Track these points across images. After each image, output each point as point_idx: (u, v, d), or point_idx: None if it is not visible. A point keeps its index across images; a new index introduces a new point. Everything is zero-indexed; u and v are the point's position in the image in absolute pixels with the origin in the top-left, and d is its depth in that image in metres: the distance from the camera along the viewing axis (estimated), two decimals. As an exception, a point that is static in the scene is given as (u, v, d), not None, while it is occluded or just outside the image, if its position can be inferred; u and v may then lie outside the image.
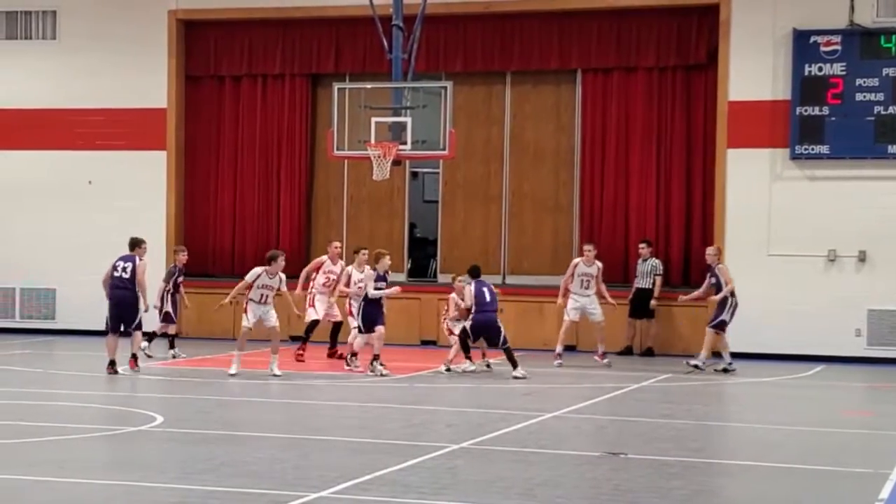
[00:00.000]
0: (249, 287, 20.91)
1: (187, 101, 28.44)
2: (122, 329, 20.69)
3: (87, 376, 20.53)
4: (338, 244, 24.08)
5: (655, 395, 19.51)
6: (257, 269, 20.99)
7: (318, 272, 23.36)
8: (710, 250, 23.43)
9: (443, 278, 27.31)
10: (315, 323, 23.13)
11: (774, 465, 13.45)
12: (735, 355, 23.18)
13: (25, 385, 19.49)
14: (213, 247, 28.33)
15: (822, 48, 24.70)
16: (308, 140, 28.22)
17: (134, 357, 20.78)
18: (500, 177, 27.56)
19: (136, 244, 21.23)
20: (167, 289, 23.12)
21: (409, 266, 28.16)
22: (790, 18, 24.94)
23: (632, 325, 25.66)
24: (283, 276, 21.02)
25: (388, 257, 21.70)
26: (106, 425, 15.25)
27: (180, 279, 23.43)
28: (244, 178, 28.40)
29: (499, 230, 27.53)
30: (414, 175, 28.96)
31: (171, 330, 23.46)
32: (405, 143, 23.64)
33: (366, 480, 11.83)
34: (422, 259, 28.99)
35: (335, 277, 23.08)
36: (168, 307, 23.12)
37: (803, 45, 24.79)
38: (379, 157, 23.53)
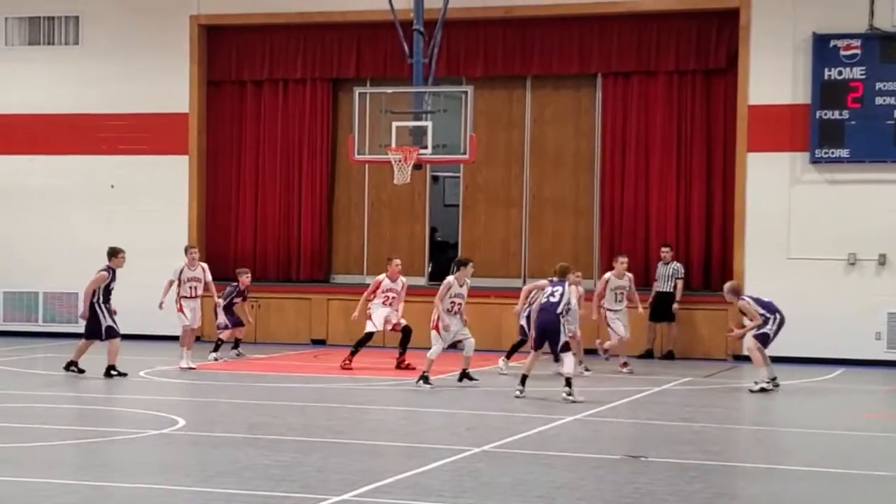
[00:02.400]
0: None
1: (209, 106, 28.56)
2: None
3: (109, 379, 20.60)
4: (398, 262, 23.00)
5: (675, 398, 19.52)
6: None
7: (376, 291, 22.64)
8: (726, 294, 21.27)
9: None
10: (370, 335, 22.69)
11: (794, 468, 13.46)
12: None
13: (48, 388, 19.61)
14: (234, 251, 28.43)
15: (842, 52, 24.71)
16: (329, 144, 28.31)
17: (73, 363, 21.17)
18: (521, 180, 27.62)
19: (111, 253, 21.35)
20: (222, 305, 23.48)
21: (429, 270, 28.21)
22: (810, 23, 24.94)
23: (652, 329, 25.66)
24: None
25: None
26: (128, 428, 15.32)
27: (237, 300, 24.02)
28: (265, 183, 28.50)
29: (519, 234, 27.58)
30: (435, 179, 29.04)
31: (226, 335, 23.86)
32: (426, 148, 23.75)
33: (387, 483, 11.87)
34: (443, 263, 29.02)
35: (395, 296, 22.59)
36: (223, 318, 23.60)
37: (823, 49, 24.79)
38: (400, 161, 23.64)
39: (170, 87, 28.11)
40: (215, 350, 23.69)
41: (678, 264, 25.60)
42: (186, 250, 22.63)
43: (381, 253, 28.02)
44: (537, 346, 18.84)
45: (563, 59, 27.03)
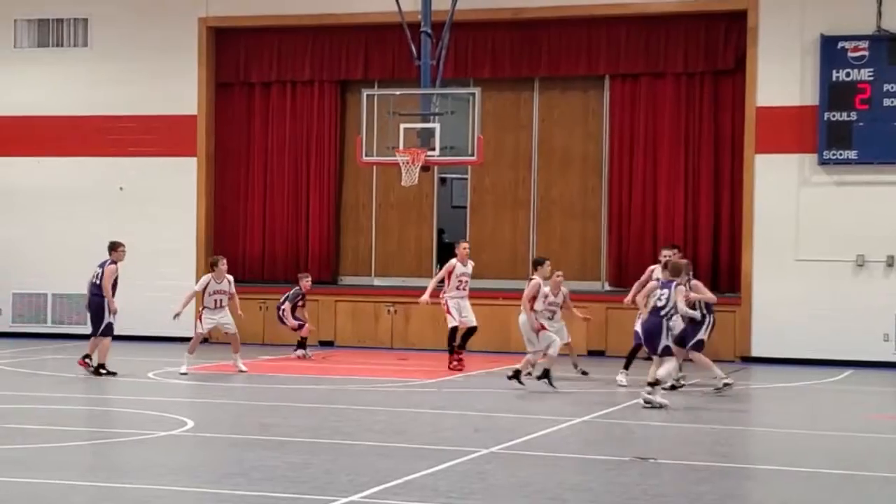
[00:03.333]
0: None
1: (217, 108, 28.61)
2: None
3: (117, 381, 20.66)
4: (466, 244, 23.25)
5: (684, 400, 19.51)
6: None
7: (450, 277, 22.76)
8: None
9: (471, 283, 27.35)
10: (455, 329, 22.67)
11: (802, 470, 13.46)
12: (763, 360, 23.18)
13: (56, 389, 19.64)
14: (242, 252, 28.45)
15: (850, 54, 24.71)
16: (337, 146, 28.34)
17: (86, 357, 21.26)
18: (529, 182, 27.63)
19: (111, 247, 21.58)
20: (285, 308, 24.34)
21: (437, 271, 28.19)
22: (818, 24, 24.95)
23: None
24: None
25: None
26: (136, 429, 15.35)
27: (301, 302, 24.49)
28: (274, 184, 28.53)
29: (527, 236, 27.59)
30: (442, 181, 29.07)
31: (305, 332, 24.36)
32: (434, 149, 23.79)
33: (396, 485, 11.89)
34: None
35: (467, 279, 22.67)
36: (292, 320, 24.31)
37: (831, 50, 24.80)
38: (407, 162, 23.67)
39: (178, 89, 28.16)
40: (301, 348, 24.28)
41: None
42: (214, 263, 22.30)
43: (389, 254, 28.11)
44: (651, 349, 18.58)
45: (571, 60, 27.05)
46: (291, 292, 24.65)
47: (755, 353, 25.14)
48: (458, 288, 22.69)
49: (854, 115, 24.74)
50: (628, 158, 26.85)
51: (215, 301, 21.97)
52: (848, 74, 24.75)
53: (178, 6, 28.18)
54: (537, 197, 27.57)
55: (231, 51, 28.60)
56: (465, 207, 28.35)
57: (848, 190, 25.02)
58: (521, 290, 23.99)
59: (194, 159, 28.27)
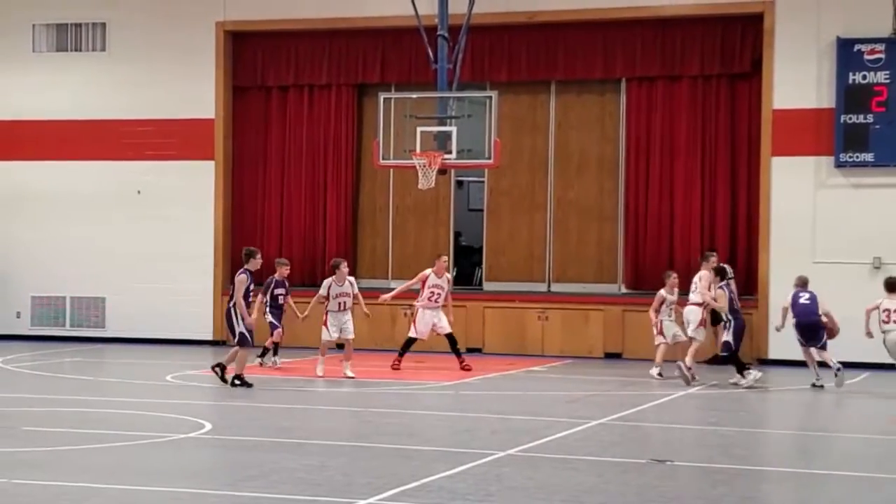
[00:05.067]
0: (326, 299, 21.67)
1: (235, 112, 28.69)
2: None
3: (136, 384, 20.74)
4: (445, 258, 23.55)
5: (701, 402, 19.55)
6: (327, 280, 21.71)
7: (423, 287, 22.96)
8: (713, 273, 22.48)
9: (488, 286, 27.45)
10: (411, 340, 22.98)
11: (820, 472, 13.49)
12: (781, 363, 23.15)
13: (75, 392, 19.72)
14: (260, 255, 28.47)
15: (866, 56, 24.70)
16: (354, 149, 28.40)
17: (218, 366, 20.54)
18: (545, 185, 27.66)
19: (247, 256, 20.60)
20: (265, 301, 22.80)
21: (454, 274, 28.26)
22: (834, 27, 24.95)
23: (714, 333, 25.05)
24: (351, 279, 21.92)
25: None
26: (155, 432, 15.41)
27: (278, 291, 23.07)
28: (291, 188, 28.60)
29: (544, 238, 27.61)
30: (459, 184, 29.12)
31: (276, 337, 23.02)
32: (450, 153, 23.82)
33: (413, 487, 11.93)
34: (467, 267, 29.14)
35: (440, 292, 22.80)
36: (270, 318, 22.83)
37: (847, 53, 24.79)
38: (424, 166, 23.71)
39: (196, 93, 28.24)
40: (275, 354, 23.47)
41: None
42: (336, 267, 22.01)
43: (406, 257, 28.15)
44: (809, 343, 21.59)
45: (588, 63, 27.07)
46: (266, 283, 23.05)
47: (772, 355, 25.13)
48: (429, 299, 22.89)
49: (870, 118, 24.72)
50: (645, 161, 26.86)
51: (339, 304, 21.91)
52: (864, 77, 24.74)
53: (196, 10, 28.27)
54: (554, 200, 27.59)
55: (248, 55, 28.68)
56: (481, 210, 28.39)
57: (864, 192, 25.00)
58: (538, 293, 24.16)
59: (212, 163, 28.36)
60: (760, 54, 25.72)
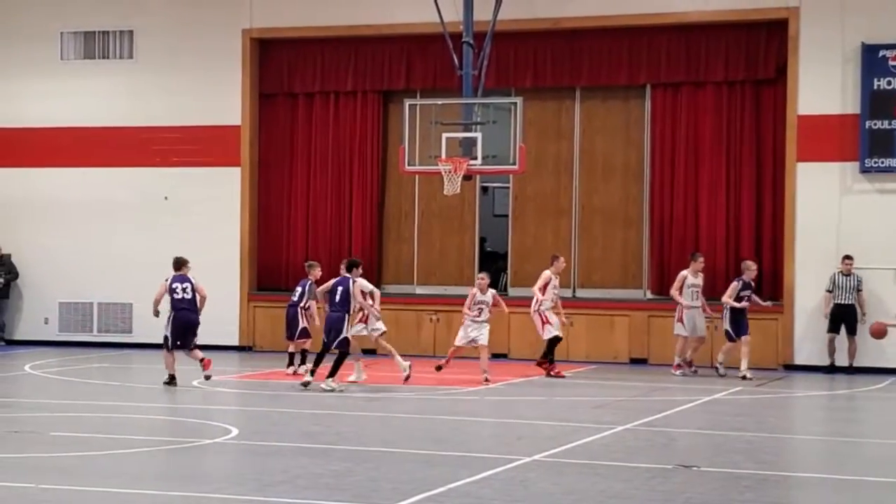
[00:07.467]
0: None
1: (261, 118, 28.79)
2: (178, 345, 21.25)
3: (163, 389, 20.81)
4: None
5: (727, 407, 19.53)
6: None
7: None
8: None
9: (513, 292, 27.46)
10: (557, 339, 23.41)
11: (847, 478, 13.48)
12: (806, 368, 23.10)
13: (103, 398, 19.83)
14: (286, 261, 28.61)
15: (891, 62, 24.66)
16: (379, 156, 28.46)
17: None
18: (570, 191, 27.67)
19: (182, 263, 21.71)
20: (303, 305, 22.93)
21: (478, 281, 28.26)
22: (859, 33, 24.91)
23: (832, 342, 24.65)
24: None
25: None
26: (182, 437, 15.49)
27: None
28: (317, 194, 28.67)
29: (569, 244, 27.62)
30: (484, 189, 29.16)
31: (307, 345, 22.97)
32: (475, 158, 23.89)
33: (439, 493, 11.97)
34: (492, 273, 29.08)
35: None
36: (303, 323, 22.88)
37: (872, 59, 24.76)
38: (450, 171, 23.77)
39: (222, 100, 28.35)
40: (302, 362, 23.22)
41: (859, 275, 24.76)
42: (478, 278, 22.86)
43: (432, 263, 28.21)
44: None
45: (612, 70, 27.08)
46: (308, 287, 22.94)
47: (797, 360, 25.09)
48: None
49: (895, 124, 24.69)
50: (670, 167, 26.86)
51: (479, 311, 22.25)
52: (889, 83, 24.70)
53: (222, 18, 28.38)
54: (579, 205, 27.61)
55: (274, 62, 28.77)
56: (506, 216, 28.42)
57: (890, 198, 24.95)
58: (563, 299, 24.23)
59: (238, 169, 28.45)
60: (785, 60, 25.70)
